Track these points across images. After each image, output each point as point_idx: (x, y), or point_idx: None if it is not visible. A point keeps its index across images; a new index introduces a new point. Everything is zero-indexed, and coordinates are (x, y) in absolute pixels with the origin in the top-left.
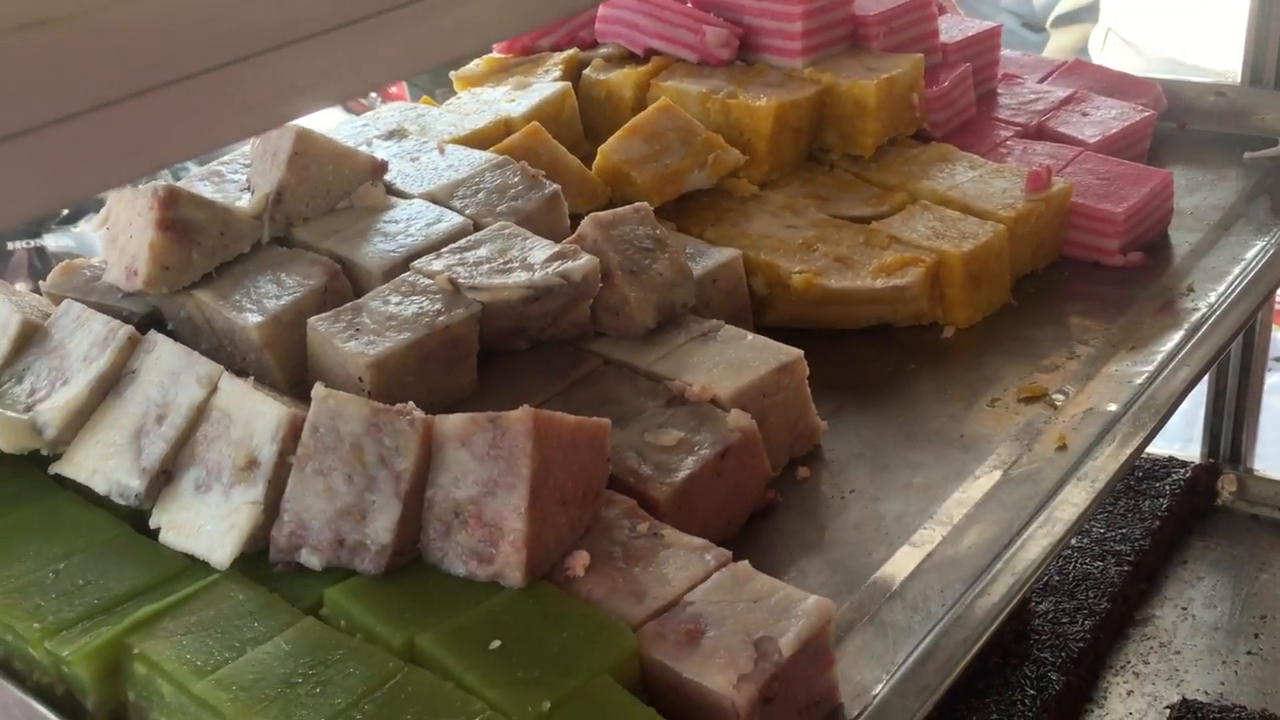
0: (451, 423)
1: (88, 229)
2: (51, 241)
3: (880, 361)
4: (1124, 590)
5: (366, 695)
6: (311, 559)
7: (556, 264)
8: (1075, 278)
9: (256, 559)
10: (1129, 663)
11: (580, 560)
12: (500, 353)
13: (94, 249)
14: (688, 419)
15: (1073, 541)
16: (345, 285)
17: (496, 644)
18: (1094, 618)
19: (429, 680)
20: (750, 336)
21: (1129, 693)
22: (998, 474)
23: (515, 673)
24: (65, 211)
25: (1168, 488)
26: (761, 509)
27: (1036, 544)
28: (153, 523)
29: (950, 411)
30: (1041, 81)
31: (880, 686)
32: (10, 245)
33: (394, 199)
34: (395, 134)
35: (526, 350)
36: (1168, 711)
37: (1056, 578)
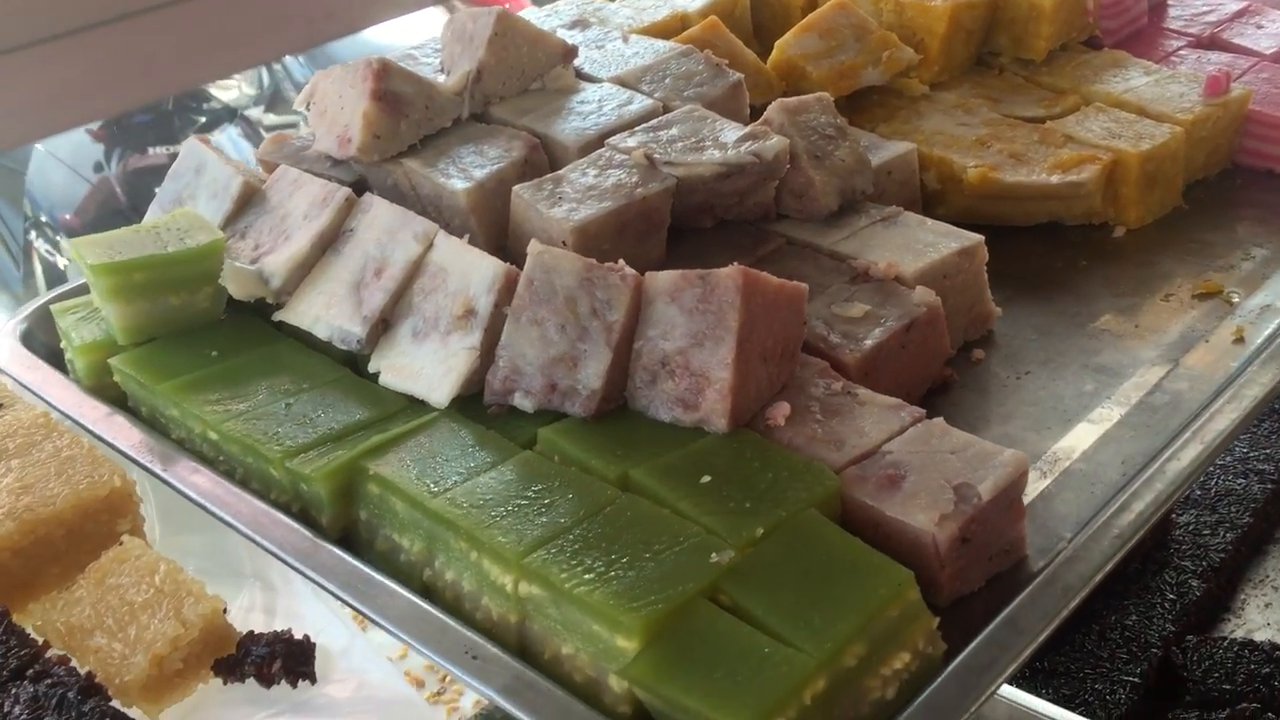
0: (662, 279)
1: (224, 140)
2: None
3: (1050, 257)
4: (1266, 507)
5: (589, 516)
6: (524, 402)
7: (748, 143)
8: (1248, 185)
9: (470, 401)
10: (1268, 577)
11: (781, 411)
12: (686, 230)
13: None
14: (872, 294)
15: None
16: (543, 158)
17: (706, 479)
18: (1235, 531)
19: (646, 506)
20: (930, 222)
21: (1267, 605)
22: (1174, 361)
23: (727, 504)
24: (203, 120)
25: None
26: (938, 385)
27: (1224, 416)
28: (371, 367)
29: (1123, 305)
30: None
31: (1072, 536)
32: (151, 151)
33: (583, 83)
34: (579, 24)
35: (711, 229)
36: None
37: (1198, 492)
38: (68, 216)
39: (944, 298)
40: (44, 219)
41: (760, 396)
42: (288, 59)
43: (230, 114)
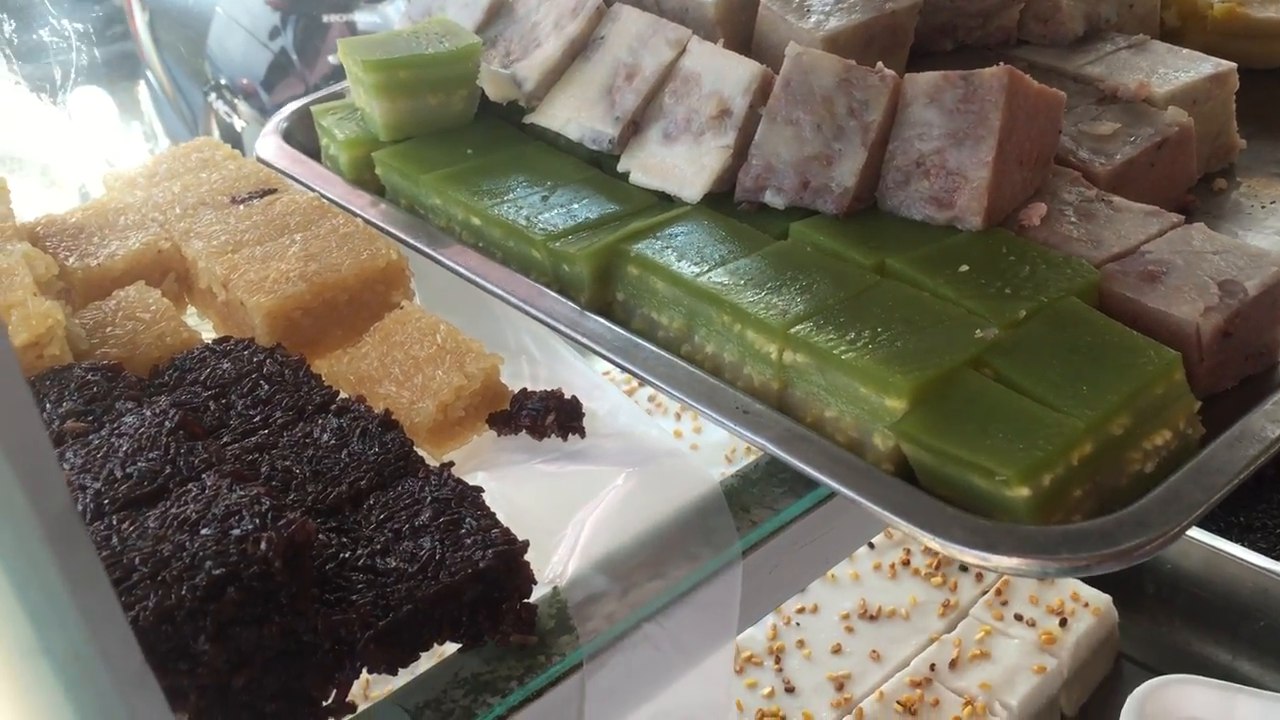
0: (922, 79)
1: (391, 11)
2: (361, 18)
3: None
4: None
5: (850, 297)
6: (776, 199)
7: None
8: None
9: (719, 200)
10: None
11: (1036, 210)
12: (924, 55)
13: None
14: (1121, 114)
15: None
16: None
17: (964, 268)
18: None
19: (906, 289)
20: (1178, 49)
21: None
22: None
23: (987, 290)
24: None
25: None
26: (1179, 210)
27: None
28: (621, 167)
29: None
30: None
31: None
32: (326, 19)
33: None
34: None
35: (950, 53)
36: None
37: None
38: (245, 81)
39: None
40: (223, 82)
41: (1014, 199)
42: None
43: None
